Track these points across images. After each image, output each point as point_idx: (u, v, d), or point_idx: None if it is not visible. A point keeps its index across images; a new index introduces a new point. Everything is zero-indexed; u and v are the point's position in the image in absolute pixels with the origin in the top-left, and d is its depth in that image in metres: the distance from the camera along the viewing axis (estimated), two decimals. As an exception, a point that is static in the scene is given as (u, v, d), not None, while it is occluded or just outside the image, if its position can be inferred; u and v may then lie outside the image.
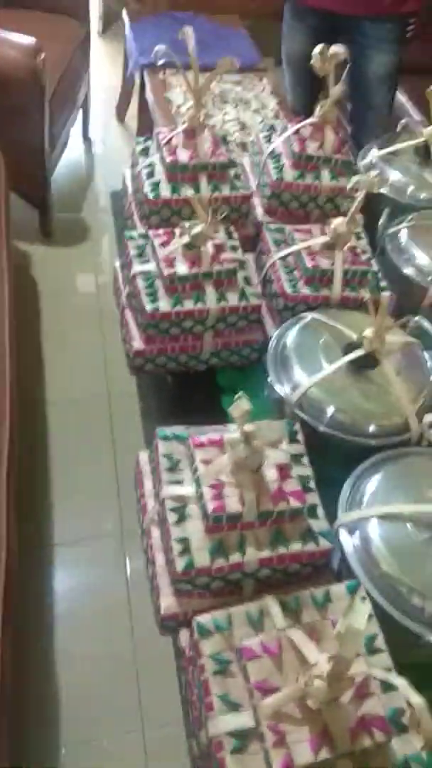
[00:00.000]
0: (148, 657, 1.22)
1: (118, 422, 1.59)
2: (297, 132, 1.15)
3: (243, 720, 0.59)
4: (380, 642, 0.65)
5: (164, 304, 0.93)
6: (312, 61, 1.08)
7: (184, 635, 0.71)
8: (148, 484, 0.81)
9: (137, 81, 2.20)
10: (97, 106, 2.56)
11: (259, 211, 1.17)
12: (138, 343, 0.97)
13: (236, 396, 0.64)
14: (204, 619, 0.64)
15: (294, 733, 0.57)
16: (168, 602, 0.72)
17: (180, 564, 0.68)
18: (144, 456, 0.84)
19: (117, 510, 1.43)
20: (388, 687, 0.62)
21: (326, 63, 1.08)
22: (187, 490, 0.72)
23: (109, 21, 3.23)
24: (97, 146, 2.51)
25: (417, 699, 0.52)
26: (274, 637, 0.61)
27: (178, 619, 0.72)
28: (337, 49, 1.05)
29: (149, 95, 1.87)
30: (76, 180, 2.32)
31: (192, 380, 1.05)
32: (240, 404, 0.63)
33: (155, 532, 0.77)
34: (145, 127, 2.18)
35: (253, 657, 0.60)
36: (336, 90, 1.09)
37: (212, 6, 2.58)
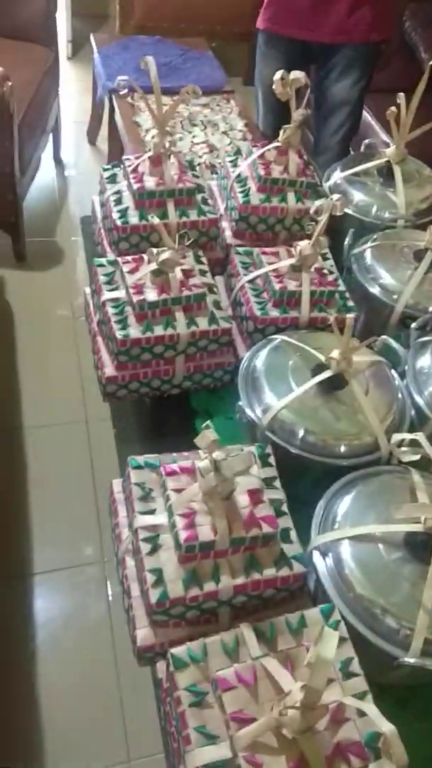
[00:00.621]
0: (132, 685, 1.21)
1: (96, 447, 1.59)
2: (262, 156, 1.17)
3: (221, 752, 0.59)
4: (355, 666, 0.65)
5: (135, 331, 0.93)
6: (273, 87, 1.10)
7: (161, 666, 0.70)
8: (122, 512, 0.81)
9: (107, 105, 2.22)
10: (69, 130, 2.58)
11: (227, 234, 1.19)
12: (110, 370, 0.97)
13: (203, 425, 0.64)
14: (179, 651, 0.64)
15: (271, 763, 0.57)
16: (144, 634, 0.71)
17: (154, 595, 0.67)
18: (118, 484, 0.84)
19: (97, 536, 1.41)
20: (362, 714, 0.62)
21: (287, 88, 1.10)
22: (160, 519, 0.72)
23: (79, 45, 3.26)
24: (70, 169, 2.52)
25: (387, 726, 0.52)
26: (249, 666, 0.61)
27: (155, 650, 0.72)
28: (298, 74, 1.08)
29: (118, 119, 1.89)
30: (48, 204, 2.32)
31: (167, 403, 1.05)
32: (206, 434, 0.63)
33: (130, 562, 0.77)
34: (116, 150, 2.20)
35: (229, 688, 0.60)
36: (298, 114, 1.11)
37: (179, 29, 2.63)
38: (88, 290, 1.09)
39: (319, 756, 0.56)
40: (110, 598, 1.34)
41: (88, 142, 2.65)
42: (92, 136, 2.67)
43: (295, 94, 1.12)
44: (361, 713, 0.62)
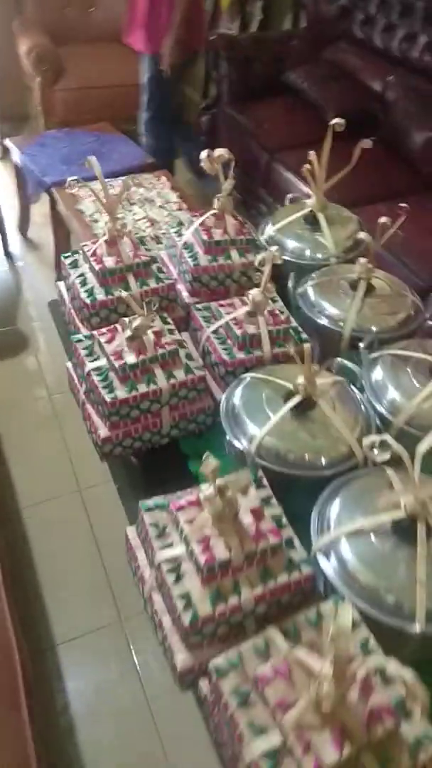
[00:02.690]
0: (175, 747, 1.23)
1: (93, 512, 1.65)
2: (202, 223, 1.32)
3: (272, 740, 0.66)
4: (373, 644, 0.74)
5: (121, 392, 1.03)
6: (202, 164, 1.27)
7: (203, 684, 0.77)
8: (141, 555, 0.89)
9: (45, 198, 2.38)
10: (13, 224, 2.73)
11: (185, 295, 1.32)
12: (104, 431, 1.06)
13: (204, 456, 0.74)
14: (218, 661, 0.72)
15: (317, 738, 0.64)
16: (182, 657, 0.78)
17: (186, 618, 0.75)
18: (132, 531, 0.92)
19: (110, 597, 1.46)
20: (386, 681, 0.71)
21: (213, 163, 1.27)
22: (178, 550, 0.81)
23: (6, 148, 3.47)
24: (19, 260, 2.66)
25: (408, 674, 0.61)
26: (282, 660, 0.69)
27: (194, 671, 0.79)
28: (222, 152, 1.24)
29: (62, 210, 2.05)
30: (5, 295, 2.44)
31: (159, 455, 1.14)
32: (209, 462, 0.73)
33: (157, 597, 0.84)
34: (61, 236, 2.35)
35: (269, 682, 0.68)
36: (228, 184, 1.27)
37: (82, 119, 2.86)
38: (69, 365, 1.20)
39: (356, 723, 0.64)
40: (134, 655, 1.37)
41: (20, 234, 2.79)
42: (23, 229, 2.82)
43: (222, 167, 1.28)
44: (385, 682, 0.71)
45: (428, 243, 1.92)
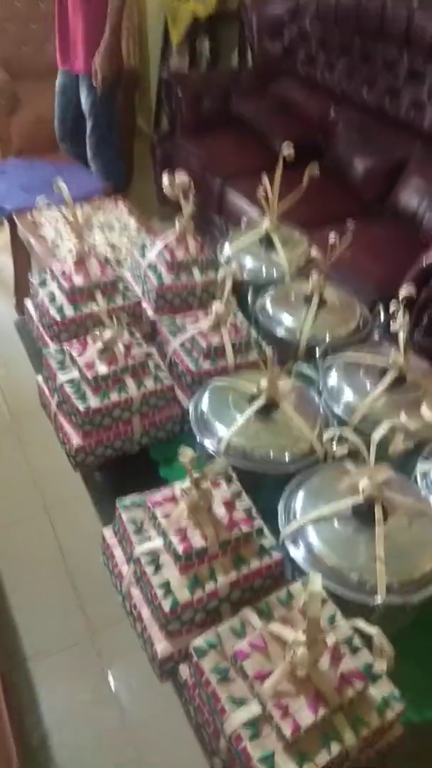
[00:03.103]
0: (146, 740, 1.24)
1: (62, 531, 1.66)
2: (165, 245, 1.40)
3: (251, 709, 0.71)
4: (339, 617, 0.80)
5: (94, 402, 1.08)
6: (164, 190, 1.35)
7: (183, 669, 0.81)
8: (118, 553, 0.93)
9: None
10: None
11: (150, 312, 1.39)
12: (77, 440, 1.10)
13: (180, 448, 0.80)
14: (198, 642, 0.76)
15: (294, 703, 0.70)
16: (162, 646, 0.83)
17: (166, 605, 0.80)
18: (108, 531, 0.96)
19: (81, 616, 1.47)
20: (355, 650, 0.77)
21: (175, 189, 1.35)
22: (156, 543, 0.85)
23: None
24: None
25: (374, 630, 0.67)
26: (258, 635, 0.75)
27: (174, 659, 0.83)
28: (183, 178, 1.33)
29: (24, 235, 2.09)
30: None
31: (128, 464, 1.18)
32: (186, 451, 0.79)
33: (135, 592, 0.88)
34: (21, 263, 2.39)
35: (246, 656, 0.73)
36: (188, 209, 1.36)
37: (37, 149, 2.95)
38: (40, 378, 1.24)
39: (329, 686, 0.70)
40: (107, 671, 1.38)
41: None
42: None
43: (182, 194, 1.37)
44: (353, 650, 0.77)
45: (371, 263, 2.06)
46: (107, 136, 2.90)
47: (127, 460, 1.17)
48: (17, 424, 1.94)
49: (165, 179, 1.33)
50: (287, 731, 0.68)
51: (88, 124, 2.88)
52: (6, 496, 1.75)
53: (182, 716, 1.23)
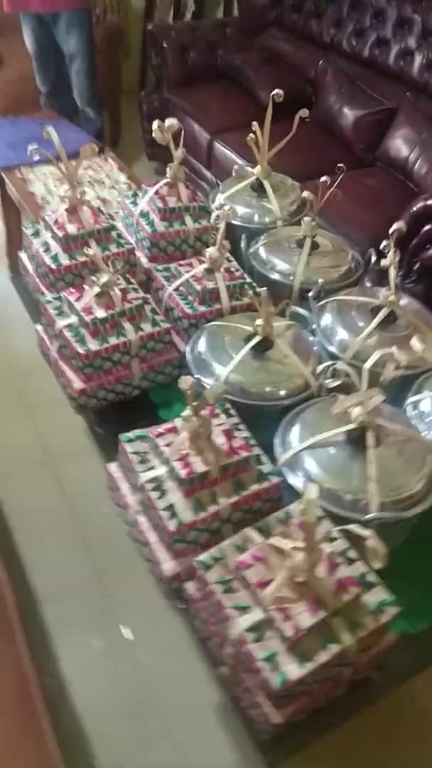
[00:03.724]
0: (162, 694, 1.30)
1: (66, 483, 1.71)
2: (156, 192, 1.40)
3: (254, 616, 0.76)
4: (336, 533, 0.85)
5: (93, 345, 1.11)
6: (153, 134, 1.35)
7: (189, 586, 0.86)
8: (123, 486, 0.97)
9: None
10: None
11: (144, 261, 1.40)
12: (78, 384, 1.13)
13: (180, 379, 0.83)
14: (203, 557, 0.81)
15: (294, 607, 0.75)
16: (169, 565, 0.87)
17: (172, 525, 0.84)
18: (112, 466, 1.00)
19: (88, 558, 1.53)
20: (350, 561, 0.82)
21: (164, 133, 1.35)
22: (160, 471, 0.89)
23: None
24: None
25: (367, 531, 0.72)
26: (259, 547, 0.79)
27: (181, 577, 0.88)
28: (172, 122, 1.33)
29: (13, 192, 2.08)
30: None
31: (128, 408, 1.21)
32: (185, 379, 0.82)
33: (142, 519, 0.93)
34: (11, 219, 2.38)
35: (248, 566, 0.78)
36: (179, 153, 1.36)
37: (22, 108, 2.89)
38: (39, 327, 1.26)
39: (326, 591, 0.75)
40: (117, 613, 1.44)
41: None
42: None
43: (173, 138, 1.37)
44: (350, 561, 0.82)
45: (363, 213, 2.06)
46: (93, 73, 2.92)
47: (127, 407, 1.20)
48: (18, 379, 1.98)
49: (155, 124, 1.33)
50: (289, 632, 0.73)
51: (75, 66, 2.83)
52: (9, 448, 1.80)
53: (189, 649, 1.30)
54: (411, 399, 1.07)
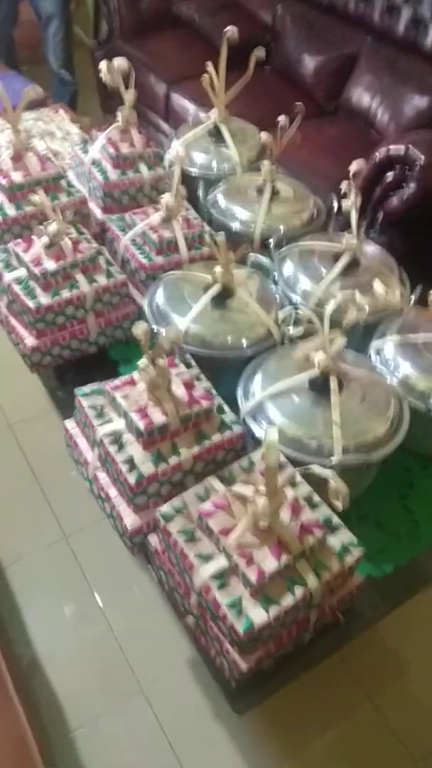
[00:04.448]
0: (132, 652, 1.30)
1: (27, 446, 1.66)
2: (108, 139, 1.33)
3: (218, 563, 0.74)
4: (299, 479, 0.83)
5: (45, 299, 1.05)
6: (101, 76, 1.26)
7: (153, 538, 0.84)
8: (81, 442, 0.93)
9: None
10: None
11: (97, 212, 1.33)
12: (31, 340, 1.08)
13: (134, 324, 0.79)
14: (165, 508, 0.79)
15: (257, 552, 0.73)
16: (131, 519, 0.85)
17: (132, 478, 0.81)
18: (70, 422, 0.96)
19: (53, 517, 1.50)
20: (314, 505, 0.81)
21: (114, 75, 1.27)
22: (118, 424, 0.86)
23: None
24: None
25: (328, 472, 0.71)
26: (221, 495, 0.77)
27: (143, 531, 0.85)
28: (121, 61, 1.25)
29: (-43, 145, 1.96)
30: None
31: (87, 365, 1.16)
32: (139, 325, 0.78)
33: (101, 475, 0.89)
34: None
35: (210, 514, 0.76)
36: (130, 95, 1.28)
37: None
38: (-14, 283, 1.19)
39: (290, 535, 0.74)
40: (82, 568, 1.43)
41: None
42: None
43: (123, 81, 1.29)
44: (313, 505, 0.80)
45: (326, 162, 2.01)
46: (70, 34, 2.80)
47: (86, 366, 1.16)
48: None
49: (102, 65, 1.25)
50: (252, 577, 0.71)
51: (53, 28, 2.70)
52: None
53: (157, 604, 1.30)
54: (374, 344, 1.05)
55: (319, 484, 0.80)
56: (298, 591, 0.74)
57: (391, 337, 1.04)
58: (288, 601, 0.73)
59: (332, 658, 1.09)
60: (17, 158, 1.21)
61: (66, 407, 1.11)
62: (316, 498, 0.81)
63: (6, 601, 1.37)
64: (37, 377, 1.21)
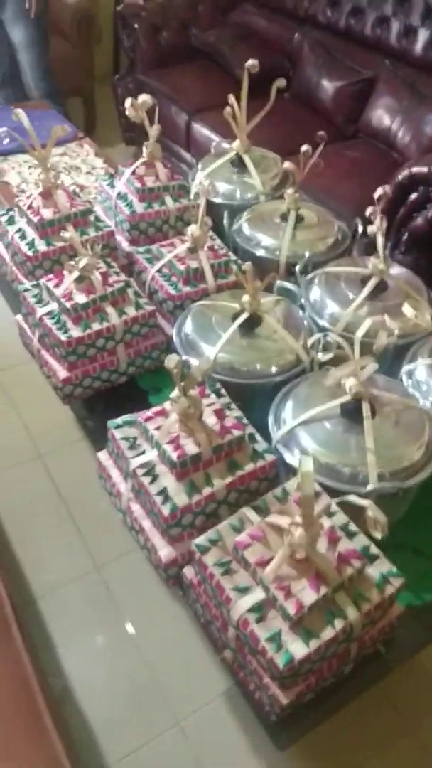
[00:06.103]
0: (168, 684, 1.28)
1: (58, 476, 1.68)
2: (134, 172, 1.36)
3: (255, 596, 0.74)
4: (335, 507, 0.82)
5: (76, 332, 1.07)
6: (127, 113, 1.30)
7: (188, 571, 0.84)
8: (114, 473, 0.94)
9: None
10: None
11: (124, 245, 1.36)
12: (63, 373, 1.10)
13: (166, 358, 0.80)
14: (200, 540, 0.78)
15: (296, 585, 0.72)
16: (166, 552, 0.85)
17: (166, 510, 0.81)
18: (102, 454, 0.97)
19: (84, 549, 1.50)
20: (351, 534, 0.80)
21: (138, 111, 1.30)
22: (151, 456, 0.86)
23: None
24: None
25: (366, 502, 0.70)
26: (257, 526, 0.77)
27: (178, 562, 0.85)
28: (145, 98, 1.28)
29: (-12, 183, 2.03)
30: None
31: (117, 396, 1.18)
32: (171, 358, 0.79)
33: (135, 506, 0.90)
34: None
35: (246, 546, 0.75)
36: (154, 130, 1.31)
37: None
38: (19, 317, 1.22)
39: (328, 565, 0.73)
40: (119, 606, 1.42)
41: None
42: None
43: (147, 116, 1.32)
44: (351, 534, 0.79)
45: (348, 186, 2.02)
46: (46, 64, 2.76)
47: (116, 396, 1.17)
48: (2, 375, 1.94)
49: (127, 102, 1.29)
50: (291, 611, 0.70)
51: (24, 57, 2.69)
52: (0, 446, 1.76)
53: (193, 636, 1.28)
54: (406, 367, 1.04)
55: (354, 512, 0.80)
56: (338, 623, 0.72)
57: (423, 360, 1.03)
58: (328, 633, 0.72)
59: (373, 690, 1.05)
60: (47, 195, 1.25)
61: (96, 436, 1.13)
62: (353, 527, 0.80)
63: (40, 633, 1.37)
64: (68, 407, 1.23)
